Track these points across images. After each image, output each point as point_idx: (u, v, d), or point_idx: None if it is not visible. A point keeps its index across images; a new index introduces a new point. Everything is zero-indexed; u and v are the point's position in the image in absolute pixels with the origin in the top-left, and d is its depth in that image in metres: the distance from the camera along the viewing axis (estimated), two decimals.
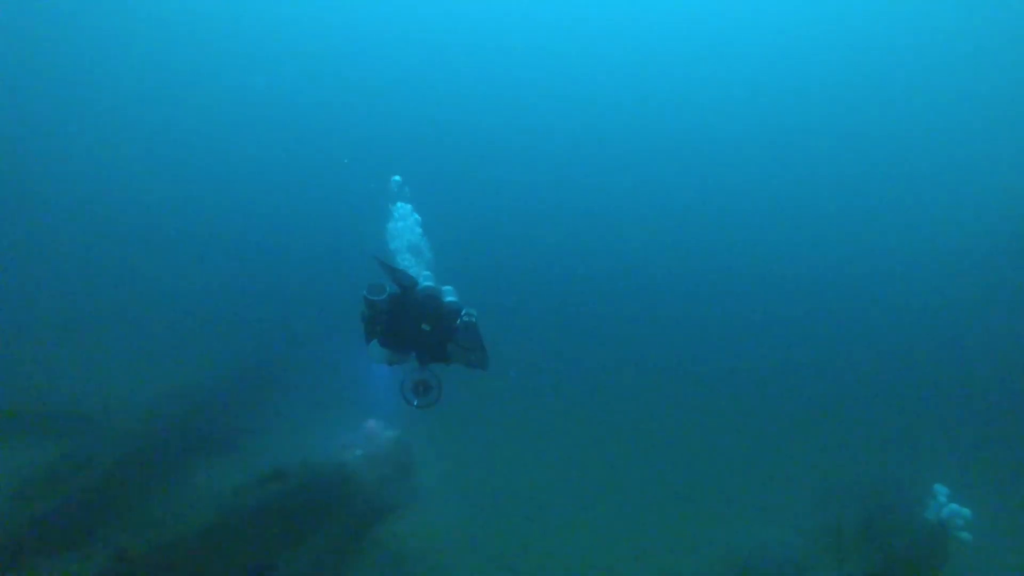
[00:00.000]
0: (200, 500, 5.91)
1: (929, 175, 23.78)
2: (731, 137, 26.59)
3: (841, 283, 19.77)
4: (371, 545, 7.47)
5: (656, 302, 19.10)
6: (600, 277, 21.17)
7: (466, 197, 21.00)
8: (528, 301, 18.19)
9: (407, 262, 5.82)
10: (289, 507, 6.57)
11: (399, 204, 6.48)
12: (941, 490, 7.81)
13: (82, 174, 19.78)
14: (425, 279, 5.07)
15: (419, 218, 6.38)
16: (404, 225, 6.27)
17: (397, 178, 6.70)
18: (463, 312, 4.64)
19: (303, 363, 11.10)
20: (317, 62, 26.87)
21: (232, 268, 16.84)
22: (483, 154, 25.72)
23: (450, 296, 4.92)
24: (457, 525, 8.14)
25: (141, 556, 4.61)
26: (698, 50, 26.95)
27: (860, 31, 25.04)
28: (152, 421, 8.26)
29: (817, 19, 25.52)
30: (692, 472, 9.86)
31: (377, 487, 8.11)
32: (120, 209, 18.69)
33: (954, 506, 7.54)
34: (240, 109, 25.43)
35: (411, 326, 4.61)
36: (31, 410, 8.21)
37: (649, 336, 16.54)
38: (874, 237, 21.50)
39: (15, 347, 9.90)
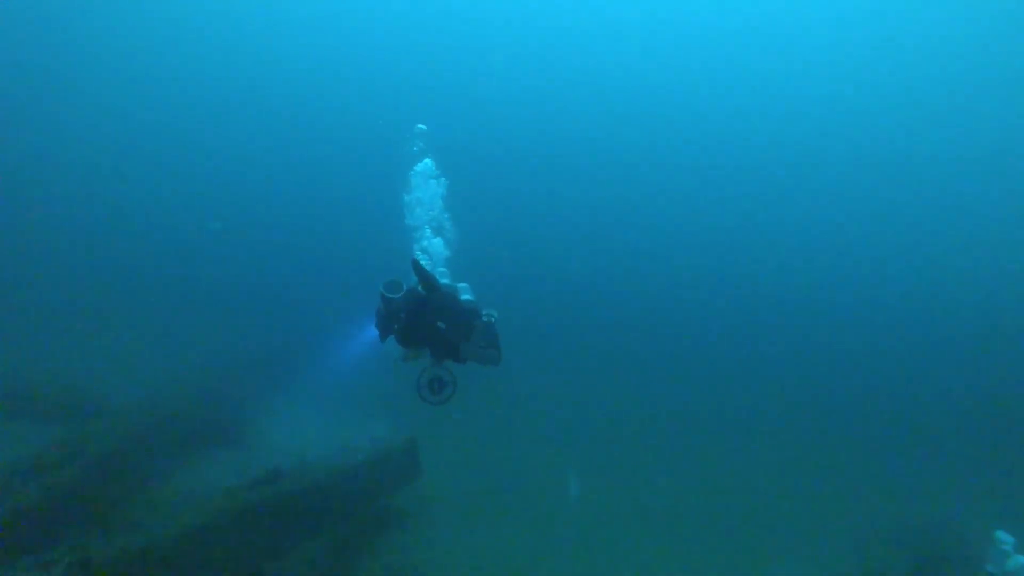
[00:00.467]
0: (186, 501, 5.46)
1: (977, 192, 22.44)
2: (751, 142, 25.54)
3: (892, 309, 18.62)
4: (369, 557, 7.03)
5: (692, 314, 18.27)
6: (624, 280, 20.44)
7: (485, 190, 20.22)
8: (548, 300, 17.60)
9: (428, 241, 5.69)
10: (281, 512, 6.10)
11: (422, 165, 5.95)
12: (1005, 538, 6.94)
13: (89, 162, 19.37)
14: (441, 276, 5.05)
15: (445, 181, 5.87)
16: (424, 195, 5.78)
17: (422, 126, 6.20)
18: (484, 313, 4.63)
19: (312, 357, 10.70)
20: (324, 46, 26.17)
21: (244, 256, 16.45)
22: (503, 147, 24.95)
23: (466, 294, 4.88)
24: (464, 538, 7.62)
25: (107, 564, 4.15)
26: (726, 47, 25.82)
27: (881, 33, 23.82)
28: (151, 412, 7.90)
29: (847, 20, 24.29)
30: (720, 502, 9.10)
31: (380, 493, 7.66)
32: (127, 195, 18.42)
33: (1021, 559, 6.68)
34: (246, 97, 24.90)
35: (427, 324, 4.54)
36: (32, 395, 7.96)
37: (681, 351, 15.71)
38: (928, 259, 20.27)
39: (20, 332, 9.70)
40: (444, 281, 4.94)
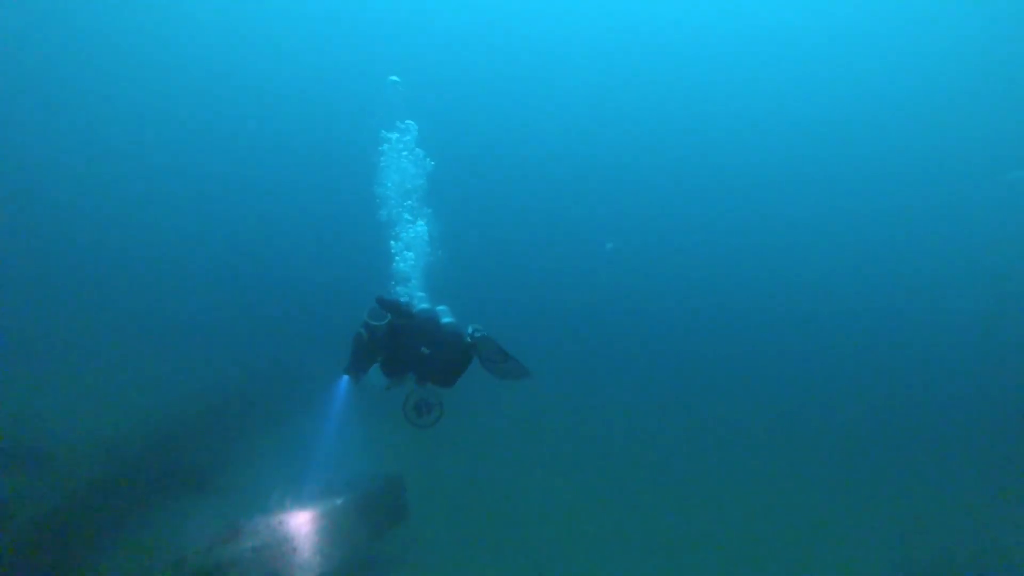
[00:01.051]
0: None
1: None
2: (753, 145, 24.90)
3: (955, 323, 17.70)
4: None
5: (703, 322, 17.51)
6: (620, 285, 19.67)
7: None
8: (539, 306, 16.81)
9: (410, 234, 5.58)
10: (247, 571, 5.30)
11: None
12: None
13: (44, 183, 17.51)
14: (420, 301, 5.09)
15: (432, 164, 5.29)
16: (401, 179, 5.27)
17: (395, 78, 5.74)
18: (470, 330, 4.62)
19: (285, 390, 9.85)
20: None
21: (215, 287, 15.13)
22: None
23: (446, 317, 4.86)
24: None
25: None
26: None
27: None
28: (108, 458, 7.10)
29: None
30: (744, 523, 8.36)
31: (362, 540, 6.87)
32: (89, 219, 17.01)
33: None
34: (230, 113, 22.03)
35: (410, 350, 4.61)
36: None
37: (701, 361, 14.91)
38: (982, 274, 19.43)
39: None
40: (423, 306, 4.94)
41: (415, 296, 5.23)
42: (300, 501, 6.43)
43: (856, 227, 22.09)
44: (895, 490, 9.42)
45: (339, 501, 6.54)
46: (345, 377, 4.90)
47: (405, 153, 5.37)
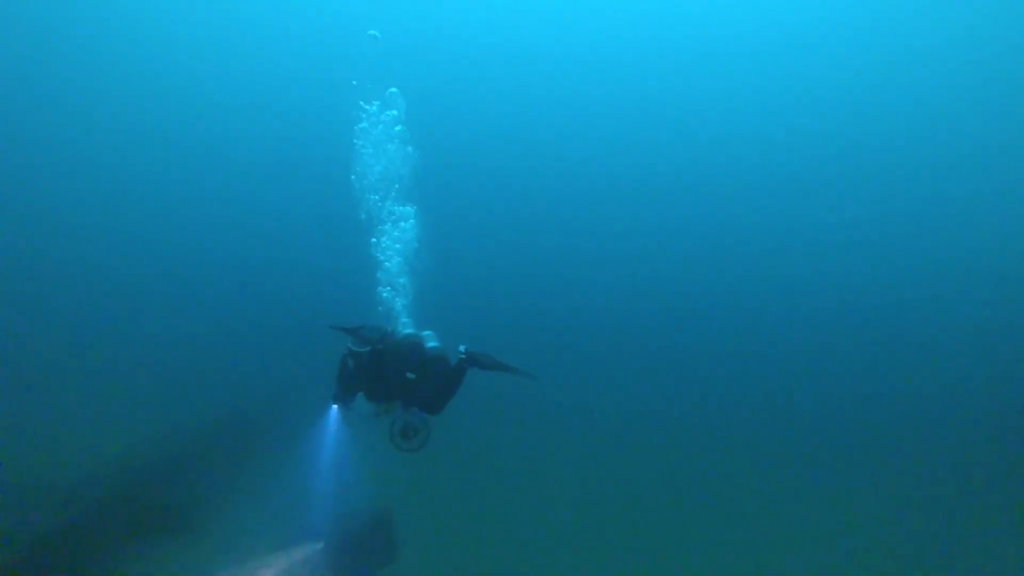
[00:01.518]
0: None
1: None
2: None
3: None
4: None
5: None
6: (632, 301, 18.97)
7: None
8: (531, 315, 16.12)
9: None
10: None
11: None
12: None
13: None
14: (404, 327, 5.08)
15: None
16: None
17: (374, 32, 5.31)
18: (462, 349, 4.63)
19: (270, 425, 9.32)
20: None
21: (199, 309, 14.16)
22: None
23: (431, 341, 4.80)
24: None
25: None
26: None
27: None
28: (79, 499, 6.59)
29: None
30: (750, 528, 7.81)
31: None
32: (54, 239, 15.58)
33: None
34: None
35: (395, 376, 4.54)
36: None
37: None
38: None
39: None
40: (408, 332, 4.89)
41: (400, 322, 5.17)
42: (278, 545, 5.94)
43: (859, 228, 21.79)
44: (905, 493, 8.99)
45: (320, 545, 6.03)
46: (334, 407, 4.87)
47: (387, 124, 4.79)
